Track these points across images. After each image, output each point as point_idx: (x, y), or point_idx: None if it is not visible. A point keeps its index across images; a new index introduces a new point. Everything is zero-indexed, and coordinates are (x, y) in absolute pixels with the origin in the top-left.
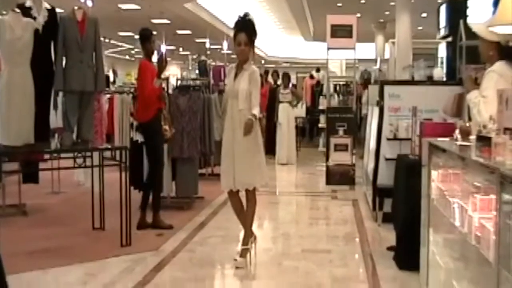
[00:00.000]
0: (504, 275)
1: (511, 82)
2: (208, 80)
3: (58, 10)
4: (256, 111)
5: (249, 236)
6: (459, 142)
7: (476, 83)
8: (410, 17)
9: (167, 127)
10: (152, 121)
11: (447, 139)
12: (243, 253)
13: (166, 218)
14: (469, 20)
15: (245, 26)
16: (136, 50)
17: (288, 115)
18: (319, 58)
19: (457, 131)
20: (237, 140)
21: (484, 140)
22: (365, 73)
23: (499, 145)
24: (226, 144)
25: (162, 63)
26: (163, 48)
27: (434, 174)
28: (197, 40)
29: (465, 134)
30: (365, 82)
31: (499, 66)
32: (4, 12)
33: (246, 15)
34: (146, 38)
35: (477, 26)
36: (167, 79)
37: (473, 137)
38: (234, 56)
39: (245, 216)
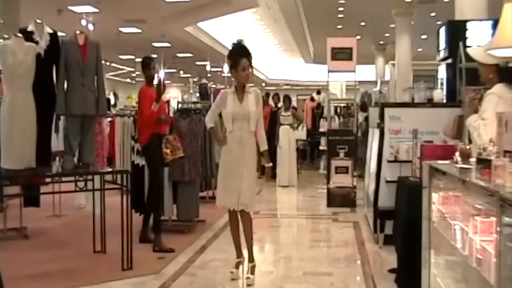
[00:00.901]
0: None
1: (510, 104)
2: (209, 103)
3: (60, 34)
4: (266, 146)
5: (252, 252)
6: (459, 165)
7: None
8: (410, 39)
9: (168, 151)
10: (148, 144)
11: (447, 161)
12: (252, 270)
13: (167, 241)
14: (468, 44)
15: (246, 52)
16: (137, 73)
17: (289, 138)
18: (319, 80)
19: (457, 154)
20: (246, 162)
21: (484, 163)
22: (366, 95)
23: (499, 168)
24: (232, 164)
25: (161, 88)
26: (162, 73)
27: (435, 196)
28: (198, 63)
29: (465, 156)
30: (362, 105)
31: (499, 88)
32: (7, 37)
33: (240, 41)
34: (146, 65)
35: (474, 51)
36: (168, 102)
37: (473, 159)
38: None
39: (245, 237)
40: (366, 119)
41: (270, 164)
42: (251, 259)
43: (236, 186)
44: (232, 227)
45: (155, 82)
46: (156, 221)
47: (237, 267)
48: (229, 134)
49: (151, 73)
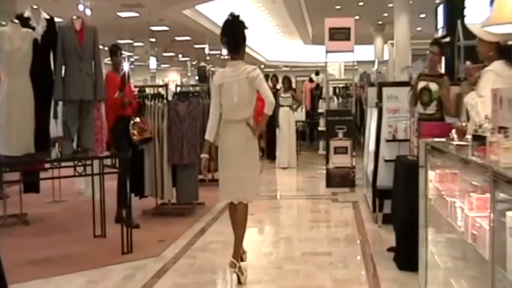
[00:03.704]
0: (499, 273)
1: (508, 81)
2: (208, 86)
3: (56, 19)
4: None
5: (239, 249)
6: (455, 142)
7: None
8: (409, 18)
9: (135, 132)
10: (114, 127)
11: (444, 139)
12: (231, 264)
13: (166, 224)
14: (467, 21)
15: None
16: (135, 57)
17: (289, 119)
18: (318, 61)
19: (453, 131)
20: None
21: (479, 140)
22: (364, 75)
23: (494, 144)
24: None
25: (124, 79)
26: (126, 66)
27: (432, 174)
28: (196, 46)
29: (462, 134)
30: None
31: (497, 65)
32: (3, 23)
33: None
34: (113, 53)
35: (475, 27)
36: (166, 85)
37: (469, 136)
38: None
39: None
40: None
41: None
42: (235, 255)
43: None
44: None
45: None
46: (125, 198)
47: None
48: None
49: (118, 60)
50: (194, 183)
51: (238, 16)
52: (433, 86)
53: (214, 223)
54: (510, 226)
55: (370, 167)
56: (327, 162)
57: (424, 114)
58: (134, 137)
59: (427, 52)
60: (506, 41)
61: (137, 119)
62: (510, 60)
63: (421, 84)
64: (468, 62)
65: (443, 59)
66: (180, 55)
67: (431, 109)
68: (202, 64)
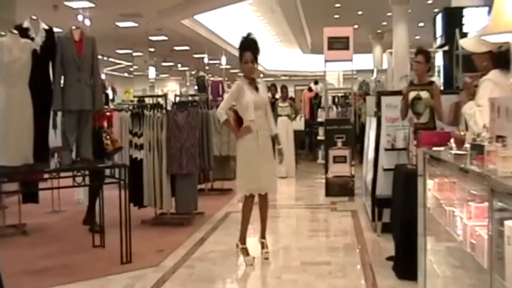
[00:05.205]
0: (498, 282)
1: (506, 90)
2: (207, 95)
3: (55, 30)
4: (277, 129)
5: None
6: (453, 151)
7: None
8: (407, 27)
9: (109, 142)
10: None
11: (442, 148)
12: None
13: (165, 234)
14: (464, 31)
15: (249, 45)
16: (135, 67)
17: (287, 129)
18: (317, 70)
19: (452, 140)
20: (268, 147)
21: (477, 148)
22: (364, 84)
23: (491, 153)
24: (257, 151)
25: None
26: (103, 75)
27: (431, 183)
28: (195, 56)
29: (460, 143)
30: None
31: (494, 74)
32: (3, 33)
33: (249, 34)
34: None
35: (465, 43)
36: (165, 95)
37: (467, 145)
38: (233, 71)
39: (263, 217)
40: None
41: (281, 146)
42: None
43: (264, 171)
44: (248, 213)
45: None
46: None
47: (248, 253)
48: (252, 123)
49: None
50: (193, 193)
51: (247, 38)
52: (424, 95)
53: (213, 232)
54: (508, 235)
55: (369, 176)
56: (326, 171)
57: (418, 124)
58: (108, 147)
59: (413, 62)
60: (500, 48)
61: (108, 130)
62: (506, 68)
63: (412, 94)
64: (466, 78)
65: (441, 67)
66: (179, 65)
67: (424, 118)
68: (201, 73)
